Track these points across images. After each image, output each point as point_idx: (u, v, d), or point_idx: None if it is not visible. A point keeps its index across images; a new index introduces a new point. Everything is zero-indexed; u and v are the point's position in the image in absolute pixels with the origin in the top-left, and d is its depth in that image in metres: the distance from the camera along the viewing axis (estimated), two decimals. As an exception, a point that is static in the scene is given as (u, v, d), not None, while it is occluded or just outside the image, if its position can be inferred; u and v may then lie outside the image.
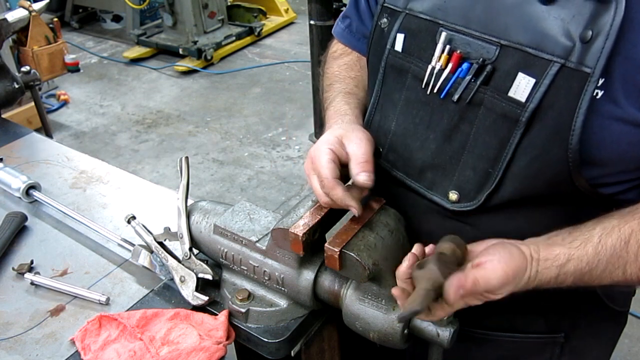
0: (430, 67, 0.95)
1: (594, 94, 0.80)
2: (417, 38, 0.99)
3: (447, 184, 0.97)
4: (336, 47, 1.31)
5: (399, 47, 1.01)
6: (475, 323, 1.08)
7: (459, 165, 0.95)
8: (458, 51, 0.92)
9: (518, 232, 0.87)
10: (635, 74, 0.79)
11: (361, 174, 0.91)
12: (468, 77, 0.91)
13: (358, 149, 0.93)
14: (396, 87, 1.03)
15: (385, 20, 1.04)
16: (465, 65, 0.91)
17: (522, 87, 0.85)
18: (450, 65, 0.93)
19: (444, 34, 0.93)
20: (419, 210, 1.03)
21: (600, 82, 0.79)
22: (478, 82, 0.89)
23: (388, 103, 1.06)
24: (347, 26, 1.26)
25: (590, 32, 0.78)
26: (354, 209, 0.92)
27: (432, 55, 0.95)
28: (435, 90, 0.95)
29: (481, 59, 0.89)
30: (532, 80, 0.84)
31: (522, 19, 0.85)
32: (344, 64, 1.25)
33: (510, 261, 0.80)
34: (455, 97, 0.92)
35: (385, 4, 1.04)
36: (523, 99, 0.85)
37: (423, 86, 0.97)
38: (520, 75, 0.85)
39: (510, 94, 0.86)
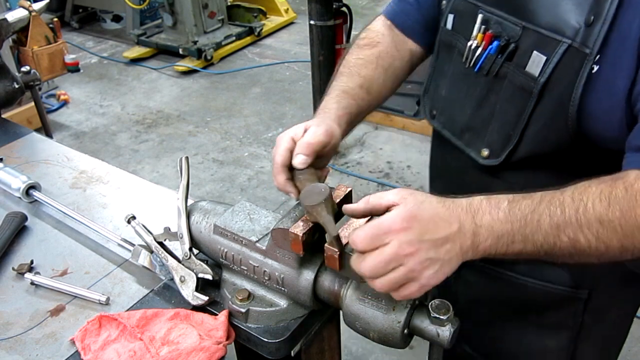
0: (469, 44, 1.10)
1: (591, 69, 0.90)
2: (462, 18, 1.14)
3: (480, 143, 1.12)
4: (366, 34, 1.31)
5: (449, 25, 1.18)
6: (508, 267, 1.19)
7: (488, 129, 1.10)
8: (490, 31, 1.06)
9: (539, 185, 0.90)
10: (625, 50, 0.87)
11: (298, 156, 1.03)
12: (496, 54, 1.04)
13: (312, 137, 1.04)
14: (446, 61, 1.21)
15: (444, 2, 1.20)
16: (495, 43, 1.05)
17: (536, 63, 0.97)
18: (483, 43, 1.07)
19: (480, 16, 1.08)
20: (461, 164, 1.19)
21: (597, 57, 0.89)
22: (503, 58, 1.03)
23: (440, 74, 1.23)
24: (401, 9, 1.30)
25: (592, 16, 0.89)
26: (292, 195, 1.04)
27: (472, 33, 1.09)
28: (471, 65, 1.10)
29: (506, 38, 1.03)
30: (544, 58, 0.96)
31: (546, 3, 0.97)
32: (362, 58, 1.27)
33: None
34: (485, 71, 1.07)
35: None
36: (536, 74, 0.97)
37: (463, 60, 1.12)
38: (535, 53, 0.97)
39: (527, 69, 0.99)
